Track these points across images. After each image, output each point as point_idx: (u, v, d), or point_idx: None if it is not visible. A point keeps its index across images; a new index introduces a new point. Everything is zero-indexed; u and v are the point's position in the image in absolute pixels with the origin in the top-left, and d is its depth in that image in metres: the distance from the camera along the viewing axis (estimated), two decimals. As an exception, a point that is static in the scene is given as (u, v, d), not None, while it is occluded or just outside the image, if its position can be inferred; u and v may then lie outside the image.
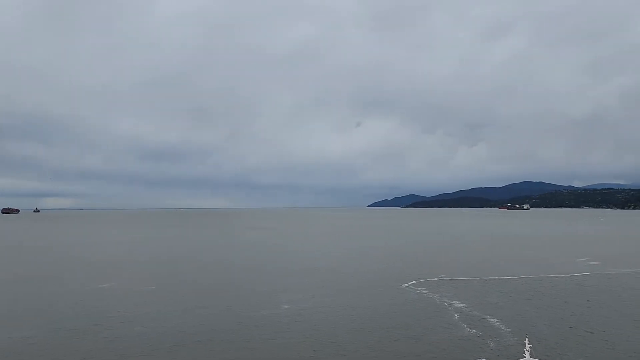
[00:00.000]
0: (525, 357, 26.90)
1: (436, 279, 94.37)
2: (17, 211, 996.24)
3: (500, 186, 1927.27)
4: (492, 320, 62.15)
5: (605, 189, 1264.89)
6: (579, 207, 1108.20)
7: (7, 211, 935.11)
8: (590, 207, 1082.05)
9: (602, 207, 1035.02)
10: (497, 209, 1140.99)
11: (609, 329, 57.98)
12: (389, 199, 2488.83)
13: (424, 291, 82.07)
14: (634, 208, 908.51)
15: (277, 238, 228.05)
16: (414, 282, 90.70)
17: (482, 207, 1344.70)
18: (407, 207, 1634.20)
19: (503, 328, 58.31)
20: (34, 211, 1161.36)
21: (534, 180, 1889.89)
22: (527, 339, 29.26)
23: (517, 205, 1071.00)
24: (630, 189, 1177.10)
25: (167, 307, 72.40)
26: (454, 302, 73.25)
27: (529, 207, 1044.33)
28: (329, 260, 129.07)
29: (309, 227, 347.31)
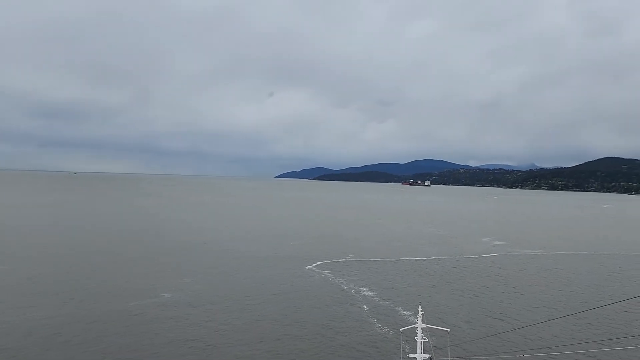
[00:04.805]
0: (417, 322, 29.18)
1: (343, 259, 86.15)
2: None
3: (404, 162, 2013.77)
4: (392, 297, 56.60)
5: (497, 169, 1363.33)
6: (473, 185, 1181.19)
7: None
8: (483, 185, 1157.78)
9: (493, 186, 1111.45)
10: (400, 184, 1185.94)
11: (498, 302, 60.83)
12: (297, 170, 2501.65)
13: (329, 274, 73.27)
14: (520, 187, 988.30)
15: (172, 209, 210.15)
16: (318, 263, 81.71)
17: (387, 182, 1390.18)
18: (314, 179, 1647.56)
19: (402, 303, 57.98)
20: None
21: (435, 159, 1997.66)
22: (420, 307, 31.11)
23: (419, 182, 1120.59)
24: (518, 170, 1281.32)
25: (11, 294, 56.79)
26: (360, 286, 65.27)
27: (429, 183, 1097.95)
28: (226, 237, 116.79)
29: (211, 198, 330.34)
